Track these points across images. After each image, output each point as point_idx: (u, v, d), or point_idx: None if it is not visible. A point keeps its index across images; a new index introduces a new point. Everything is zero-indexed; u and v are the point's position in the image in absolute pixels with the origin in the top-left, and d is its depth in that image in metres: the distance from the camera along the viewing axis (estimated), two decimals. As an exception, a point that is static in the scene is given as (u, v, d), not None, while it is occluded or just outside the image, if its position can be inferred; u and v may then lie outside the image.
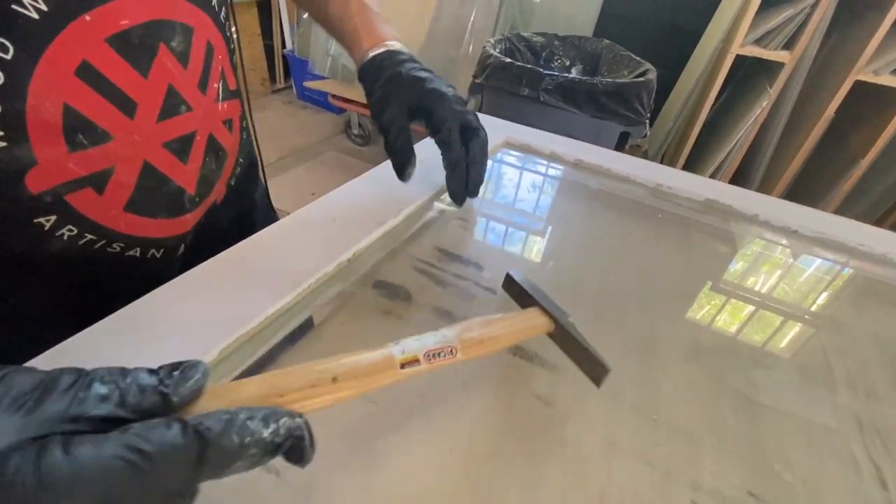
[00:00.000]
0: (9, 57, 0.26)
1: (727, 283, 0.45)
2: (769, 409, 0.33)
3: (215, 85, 0.38)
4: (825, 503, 0.27)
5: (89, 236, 0.34)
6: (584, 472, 0.27)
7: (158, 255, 0.39)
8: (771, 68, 1.63)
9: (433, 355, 0.24)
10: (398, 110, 0.42)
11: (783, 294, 0.45)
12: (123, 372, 0.16)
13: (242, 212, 0.50)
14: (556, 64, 1.84)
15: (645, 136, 1.47)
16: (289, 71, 3.00)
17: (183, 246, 0.42)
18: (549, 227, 0.50)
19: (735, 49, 1.54)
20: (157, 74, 0.32)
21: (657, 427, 0.30)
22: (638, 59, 1.61)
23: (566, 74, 1.40)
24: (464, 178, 0.43)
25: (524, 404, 0.31)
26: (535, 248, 0.47)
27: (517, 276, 0.35)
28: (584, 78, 1.38)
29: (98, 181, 0.32)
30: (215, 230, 0.44)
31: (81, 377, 0.16)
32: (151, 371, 0.17)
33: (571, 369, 0.33)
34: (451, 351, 0.25)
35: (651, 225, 0.52)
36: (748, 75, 1.84)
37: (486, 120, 0.68)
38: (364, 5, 0.47)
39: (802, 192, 1.76)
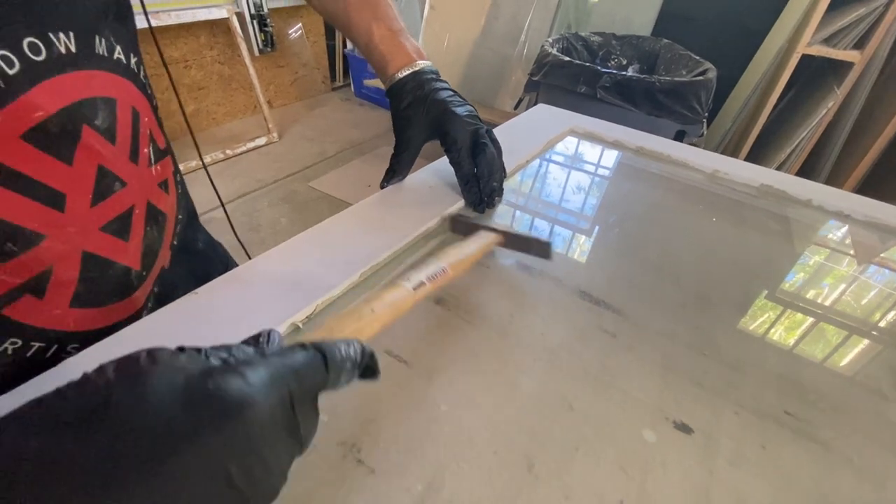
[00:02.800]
0: None
1: (779, 255, 0.50)
2: (809, 355, 0.38)
3: (145, 150, 0.36)
4: (854, 423, 0.32)
5: (36, 345, 0.31)
6: (645, 386, 0.34)
7: None
8: (839, 68, 1.59)
9: (433, 276, 0.33)
10: (417, 132, 0.48)
11: (832, 267, 0.49)
12: (226, 345, 0.19)
13: (191, 268, 0.47)
14: (613, 63, 1.87)
15: (702, 135, 1.48)
16: (348, 69, 3.16)
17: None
18: (613, 203, 0.56)
19: (801, 49, 1.52)
20: (84, 158, 0.30)
21: (707, 360, 0.36)
22: (697, 58, 1.62)
23: (624, 73, 1.43)
24: (477, 192, 0.48)
25: (594, 335, 0.38)
26: (601, 219, 0.53)
27: (459, 218, 0.46)
28: (642, 76, 1.41)
29: (36, 286, 0.29)
30: (169, 299, 0.39)
31: (201, 349, 0.18)
32: (243, 342, 0.19)
33: (634, 312, 0.40)
34: (444, 270, 0.34)
35: (708, 206, 0.57)
36: (814, 76, 1.79)
37: (550, 111, 0.75)
38: (387, 31, 0.49)
39: (869, 196, 1.69)
